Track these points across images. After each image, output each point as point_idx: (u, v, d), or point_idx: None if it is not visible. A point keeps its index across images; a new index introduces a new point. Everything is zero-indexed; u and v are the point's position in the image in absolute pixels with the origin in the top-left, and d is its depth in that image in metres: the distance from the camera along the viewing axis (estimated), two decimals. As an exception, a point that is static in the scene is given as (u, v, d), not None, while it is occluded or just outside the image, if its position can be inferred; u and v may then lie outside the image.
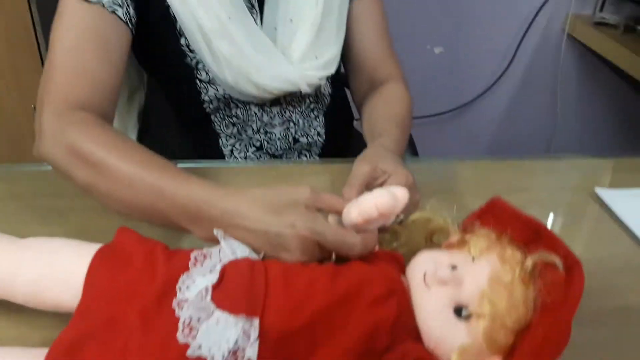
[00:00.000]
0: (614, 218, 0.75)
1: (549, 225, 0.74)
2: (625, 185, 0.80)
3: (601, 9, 1.76)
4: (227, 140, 0.89)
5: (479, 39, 1.89)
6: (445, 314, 0.44)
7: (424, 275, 0.47)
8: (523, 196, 0.72)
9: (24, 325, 0.52)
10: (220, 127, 0.88)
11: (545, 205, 0.78)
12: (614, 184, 0.82)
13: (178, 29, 0.78)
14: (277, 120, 0.89)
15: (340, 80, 0.99)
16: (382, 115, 0.83)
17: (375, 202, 0.49)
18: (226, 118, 0.87)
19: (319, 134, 0.94)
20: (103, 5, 0.69)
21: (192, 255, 0.49)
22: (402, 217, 0.54)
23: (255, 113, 0.87)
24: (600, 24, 1.72)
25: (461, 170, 0.84)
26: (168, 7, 0.76)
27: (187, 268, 0.47)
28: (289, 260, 0.48)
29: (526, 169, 0.89)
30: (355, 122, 1.12)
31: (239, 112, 0.87)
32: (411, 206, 0.55)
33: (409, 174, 0.61)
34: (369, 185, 0.60)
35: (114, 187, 0.57)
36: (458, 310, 0.44)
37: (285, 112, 0.89)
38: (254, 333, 0.40)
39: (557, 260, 0.43)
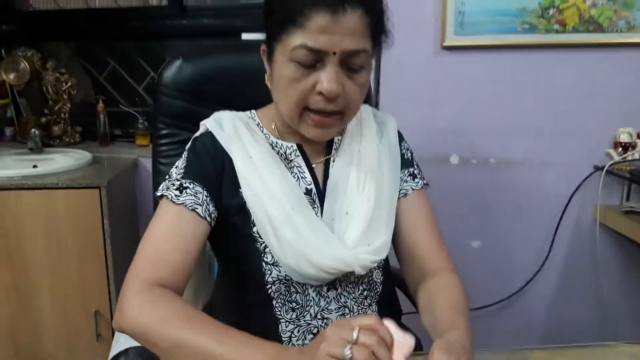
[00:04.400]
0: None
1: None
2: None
3: (627, 199, 1.85)
4: (286, 326, 0.94)
5: (513, 233, 1.98)
6: None
7: None
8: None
9: None
10: (280, 312, 0.94)
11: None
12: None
13: (252, 220, 0.92)
14: (333, 306, 0.95)
15: (390, 271, 1.06)
16: (444, 305, 0.87)
17: None
18: (286, 303, 0.94)
19: None
20: (186, 206, 0.87)
21: None
22: None
23: (313, 298, 0.94)
24: (629, 212, 1.78)
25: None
26: (244, 203, 0.92)
27: None
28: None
29: (580, 357, 0.88)
30: (403, 317, 1.16)
31: (298, 297, 0.94)
32: None
33: None
34: None
35: (197, 350, 0.71)
36: None
37: (340, 298, 0.96)
38: None
39: None
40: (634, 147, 1.83)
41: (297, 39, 0.83)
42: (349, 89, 0.87)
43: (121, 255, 1.82)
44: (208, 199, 0.90)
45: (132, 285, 0.80)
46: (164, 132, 1.27)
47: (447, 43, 1.82)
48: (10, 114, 2.27)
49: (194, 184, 0.90)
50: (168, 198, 0.88)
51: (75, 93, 2.24)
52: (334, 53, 0.83)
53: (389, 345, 0.62)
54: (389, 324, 0.65)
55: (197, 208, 0.88)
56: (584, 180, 1.90)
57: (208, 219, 0.89)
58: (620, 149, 1.84)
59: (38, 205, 1.73)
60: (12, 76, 2.12)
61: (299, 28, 0.82)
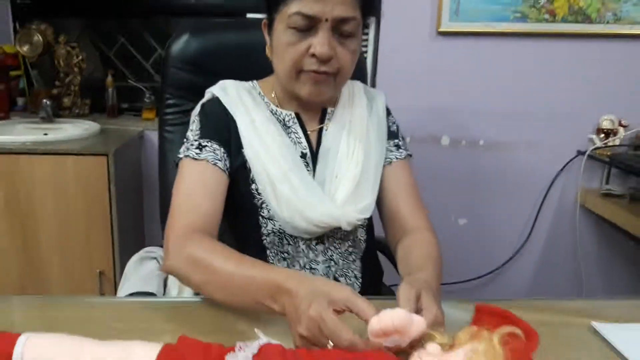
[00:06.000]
0: (609, 348, 0.81)
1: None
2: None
3: (607, 182, 1.95)
4: None
5: (498, 211, 2.08)
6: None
7: (418, 353, 0.58)
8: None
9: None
10: (273, 261, 1.05)
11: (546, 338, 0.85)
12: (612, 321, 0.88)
13: (251, 177, 1.02)
14: (320, 258, 1.06)
15: (373, 233, 1.16)
16: (417, 255, 0.97)
17: (393, 318, 0.61)
18: (279, 254, 1.05)
19: (356, 277, 1.09)
20: (208, 161, 0.97)
21: (238, 344, 0.62)
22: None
23: (303, 250, 1.05)
24: (607, 195, 1.88)
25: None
26: (246, 161, 1.02)
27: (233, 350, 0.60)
28: (299, 331, 0.67)
29: (531, 308, 0.97)
30: (384, 278, 1.26)
31: (289, 248, 1.04)
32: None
33: (440, 314, 0.72)
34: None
35: (220, 282, 0.81)
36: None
37: (327, 252, 1.06)
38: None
39: (518, 332, 0.55)
40: (615, 133, 1.92)
41: (294, 7, 0.93)
42: (341, 54, 0.97)
43: (125, 220, 1.92)
44: (225, 155, 1.01)
45: (170, 234, 0.90)
46: (170, 102, 1.37)
47: (442, 29, 1.92)
48: (23, 85, 2.36)
49: (211, 142, 1.00)
50: (190, 157, 0.99)
51: (85, 67, 2.33)
52: (326, 20, 0.93)
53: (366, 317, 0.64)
54: (394, 314, 0.62)
55: (217, 163, 0.98)
56: (567, 164, 2.00)
57: (227, 172, 1.00)
58: (603, 135, 1.93)
59: (48, 171, 1.82)
60: (25, 48, 2.21)
61: None
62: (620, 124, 1.93)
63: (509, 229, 2.10)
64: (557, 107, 1.97)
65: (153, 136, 2.14)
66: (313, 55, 0.95)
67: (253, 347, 0.60)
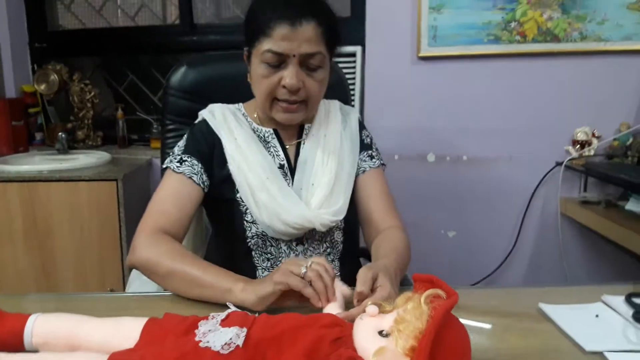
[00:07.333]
0: (553, 325, 0.91)
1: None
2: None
3: (585, 190, 2.05)
4: (262, 273, 1.17)
5: (485, 222, 2.19)
6: (372, 334, 0.66)
7: (361, 316, 0.70)
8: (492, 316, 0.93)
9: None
10: (258, 261, 1.18)
11: (497, 318, 0.95)
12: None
13: (236, 188, 1.15)
14: (301, 257, 1.18)
15: (352, 236, 1.28)
16: (384, 247, 1.08)
17: None
18: (263, 254, 1.17)
19: None
20: (184, 174, 1.12)
21: (210, 314, 0.75)
22: None
23: (285, 250, 1.17)
24: (585, 202, 1.99)
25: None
26: (230, 174, 1.16)
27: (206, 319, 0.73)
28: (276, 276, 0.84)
29: (487, 294, 1.09)
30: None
31: (272, 249, 1.17)
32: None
33: (392, 292, 0.84)
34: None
35: (180, 279, 0.95)
36: (380, 332, 0.66)
37: (307, 252, 1.18)
38: (243, 334, 0.65)
39: (441, 292, 0.67)
40: (589, 144, 2.04)
41: (265, 45, 1.08)
42: (309, 84, 1.11)
43: (135, 241, 2.06)
44: (202, 170, 1.14)
45: (140, 231, 1.05)
46: (170, 127, 1.51)
47: (422, 54, 2.07)
48: (41, 121, 2.55)
49: (191, 157, 1.14)
50: (171, 168, 1.13)
51: (98, 102, 2.51)
52: (294, 55, 1.07)
53: (332, 277, 0.84)
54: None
55: (193, 176, 1.12)
56: (546, 174, 2.11)
57: (202, 185, 1.14)
58: (578, 146, 2.05)
59: (63, 196, 1.98)
60: (43, 87, 2.41)
61: (267, 37, 1.07)
62: (594, 135, 2.04)
63: (496, 239, 2.20)
64: (533, 122, 2.09)
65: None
66: (284, 86, 1.10)
67: (222, 315, 0.73)
